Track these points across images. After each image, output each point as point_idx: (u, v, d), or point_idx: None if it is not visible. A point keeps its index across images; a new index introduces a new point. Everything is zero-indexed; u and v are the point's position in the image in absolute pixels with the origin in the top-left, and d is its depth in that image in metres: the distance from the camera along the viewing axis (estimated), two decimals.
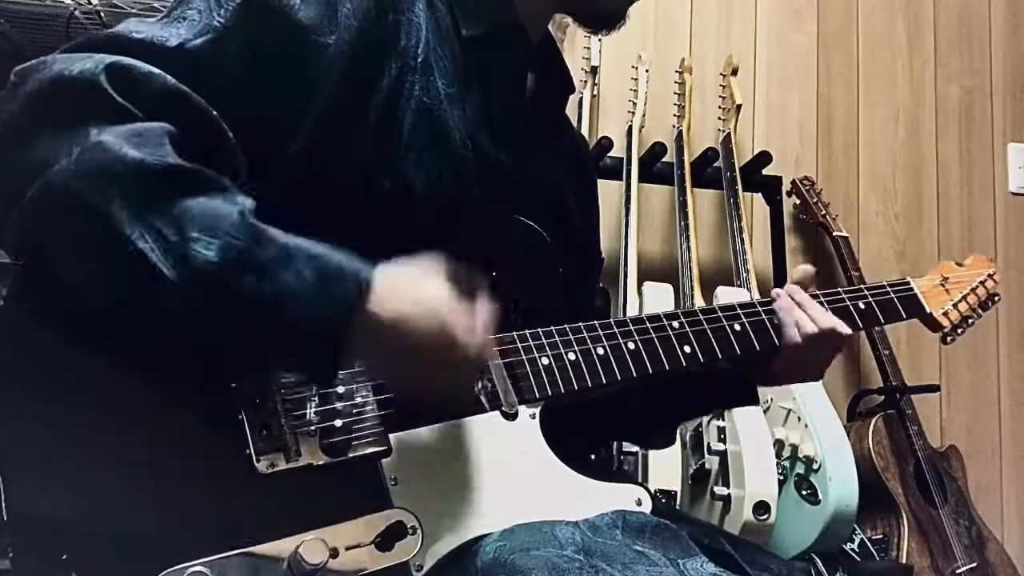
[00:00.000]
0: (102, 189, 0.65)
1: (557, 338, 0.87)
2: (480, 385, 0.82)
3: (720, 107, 2.30)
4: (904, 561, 1.87)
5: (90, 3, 1.58)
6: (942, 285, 1.17)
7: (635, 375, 0.90)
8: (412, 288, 0.72)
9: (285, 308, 0.67)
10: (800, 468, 1.81)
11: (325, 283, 0.68)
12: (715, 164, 2.18)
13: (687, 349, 0.94)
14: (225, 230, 0.67)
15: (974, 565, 1.92)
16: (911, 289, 1.14)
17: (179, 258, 0.65)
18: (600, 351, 0.89)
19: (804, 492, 1.79)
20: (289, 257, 0.68)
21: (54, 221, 0.67)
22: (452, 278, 0.75)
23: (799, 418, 1.85)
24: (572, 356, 0.87)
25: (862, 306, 1.08)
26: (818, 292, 1.06)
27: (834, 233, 2.23)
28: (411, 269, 0.74)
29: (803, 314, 1.00)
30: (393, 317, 0.70)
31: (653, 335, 0.93)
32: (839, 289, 1.08)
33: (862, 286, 1.10)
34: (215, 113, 0.75)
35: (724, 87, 2.29)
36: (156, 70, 0.72)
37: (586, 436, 1.18)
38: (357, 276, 0.70)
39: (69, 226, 0.67)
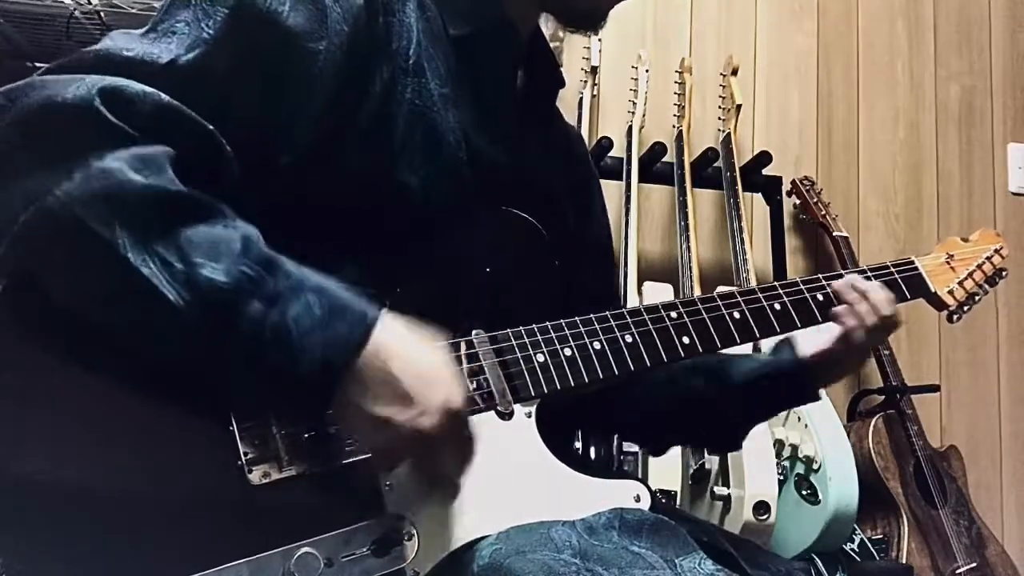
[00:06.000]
0: (104, 215, 0.65)
1: (553, 334, 0.86)
2: (475, 384, 0.82)
3: (720, 107, 2.29)
4: (904, 561, 1.87)
5: (90, 3, 1.58)
6: (947, 263, 1.15)
7: (633, 369, 0.88)
8: (414, 333, 0.72)
9: (289, 339, 0.66)
10: (800, 468, 1.81)
11: (331, 319, 0.68)
12: (715, 164, 2.18)
13: (685, 340, 0.93)
14: (233, 257, 0.66)
15: (974, 565, 1.92)
16: (916, 268, 1.11)
17: (186, 284, 0.65)
18: (597, 346, 0.87)
19: (804, 492, 1.79)
20: (299, 288, 0.68)
21: (52, 246, 0.66)
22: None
23: (799, 418, 1.85)
24: (568, 352, 0.86)
25: None
26: (820, 275, 1.05)
27: (834, 233, 2.23)
28: (415, 328, 0.74)
29: (866, 307, 1.02)
30: (394, 354, 0.70)
31: (651, 327, 0.91)
32: (842, 272, 1.07)
33: (865, 267, 1.09)
34: (211, 128, 0.74)
35: (724, 87, 2.29)
36: (150, 89, 0.71)
37: (660, 441, 1.19)
38: (364, 316, 0.69)
39: (69, 251, 0.66)
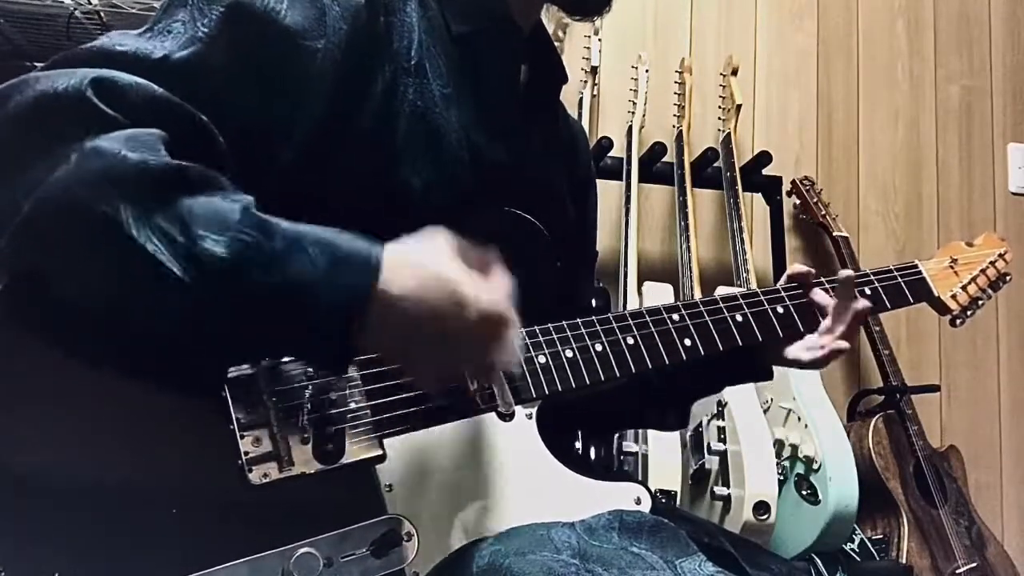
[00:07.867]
0: (104, 193, 0.64)
1: (554, 335, 0.86)
2: (475, 385, 0.82)
3: (720, 107, 2.29)
4: (904, 561, 1.87)
5: (90, 3, 1.58)
6: (951, 267, 1.15)
7: (634, 371, 0.88)
8: (420, 262, 0.71)
9: (299, 297, 0.66)
10: (800, 468, 1.81)
11: (336, 268, 0.67)
12: (715, 164, 2.18)
13: (687, 342, 0.93)
14: (231, 226, 0.66)
15: (974, 565, 1.92)
16: (919, 272, 1.11)
17: (189, 258, 0.64)
18: (598, 348, 0.87)
19: (804, 492, 1.79)
20: (299, 245, 0.67)
21: (57, 233, 0.66)
22: (460, 251, 0.73)
23: (799, 418, 1.85)
24: (569, 354, 0.85)
25: (868, 292, 1.06)
26: (823, 280, 1.05)
27: (834, 233, 2.23)
28: (418, 245, 0.73)
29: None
30: (404, 293, 0.68)
31: (652, 329, 0.91)
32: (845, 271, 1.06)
33: (868, 271, 1.08)
34: (204, 119, 0.74)
35: (724, 87, 2.29)
36: (142, 80, 0.71)
37: (598, 421, 1.17)
38: (368, 258, 0.69)
39: (72, 234, 0.65)
